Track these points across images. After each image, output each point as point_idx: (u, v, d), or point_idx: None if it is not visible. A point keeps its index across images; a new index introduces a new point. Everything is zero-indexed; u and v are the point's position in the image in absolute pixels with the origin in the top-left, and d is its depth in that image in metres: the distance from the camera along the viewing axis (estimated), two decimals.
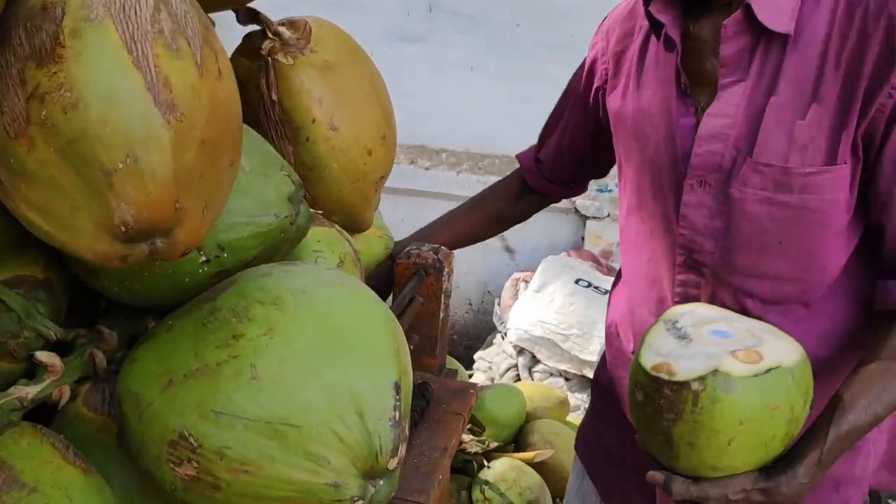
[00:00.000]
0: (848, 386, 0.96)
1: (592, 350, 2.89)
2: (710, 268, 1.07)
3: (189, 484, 0.62)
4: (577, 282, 3.15)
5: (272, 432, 0.61)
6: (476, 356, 3.34)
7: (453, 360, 2.39)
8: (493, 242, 3.57)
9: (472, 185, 3.45)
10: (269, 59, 0.87)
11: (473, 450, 2.14)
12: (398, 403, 0.63)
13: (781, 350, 0.92)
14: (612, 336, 1.31)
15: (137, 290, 0.73)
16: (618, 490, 1.29)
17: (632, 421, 0.97)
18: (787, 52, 0.99)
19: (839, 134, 0.97)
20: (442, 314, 1.33)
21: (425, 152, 3.55)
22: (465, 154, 3.53)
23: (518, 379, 3.07)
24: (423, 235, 1.45)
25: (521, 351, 3.10)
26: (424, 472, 1.06)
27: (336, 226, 0.92)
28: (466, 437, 2.16)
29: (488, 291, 3.65)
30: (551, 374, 3.04)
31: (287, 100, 0.87)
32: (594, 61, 1.27)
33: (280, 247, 0.76)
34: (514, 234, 3.61)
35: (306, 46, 0.88)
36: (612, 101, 1.21)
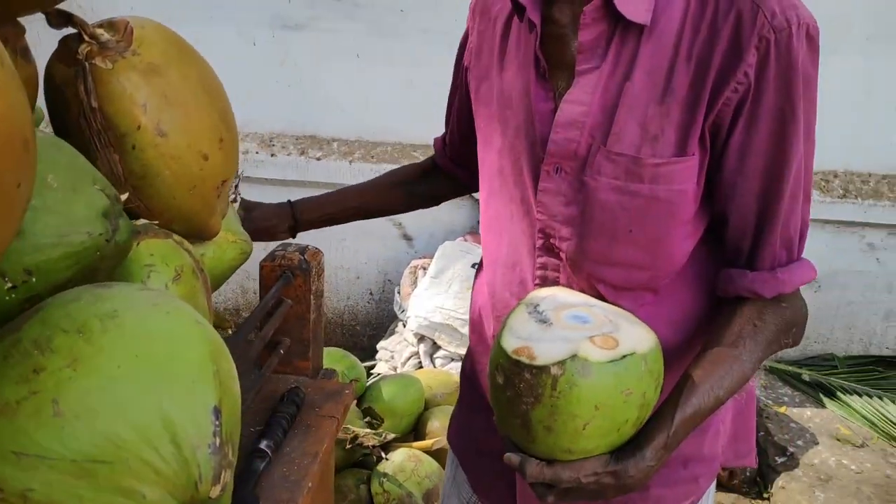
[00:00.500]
0: (692, 371, 0.98)
1: None
2: (566, 253, 1.08)
3: None
4: (474, 266, 3.17)
5: (79, 471, 0.57)
6: (378, 346, 3.32)
7: (348, 353, 2.36)
8: (391, 231, 3.55)
9: (366, 173, 3.41)
10: (87, 63, 0.82)
11: (371, 443, 2.12)
12: (218, 429, 0.61)
13: (636, 336, 0.94)
14: (475, 323, 1.30)
15: None
16: (484, 478, 1.29)
17: (491, 404, 0.98)
18: (642, 41, 0.99)
19: (689, 126, 0.98)
20: (313, 315, 1.30)
21: (316, 142, 3.49)
22: (357, 143, 3.49)
23: (420, 366, 3.07)
24: (328, 195, 1.48)
25: (421, 338, 3.10)
26: (293, 480, 1.04)
27: (173, 236, 0.88)
28: (363, 430, 2.14)
29: (388, 280, 3.63)
30: (452, 360, 3.04)
31: (108, 106, 0.82)
32: (464, 40, 1.26)
33: (98, 266, 0.72)
34: (412, 221, 3.60)
35: (127, 49, 0.83)
36: (475, 83, 1.20)
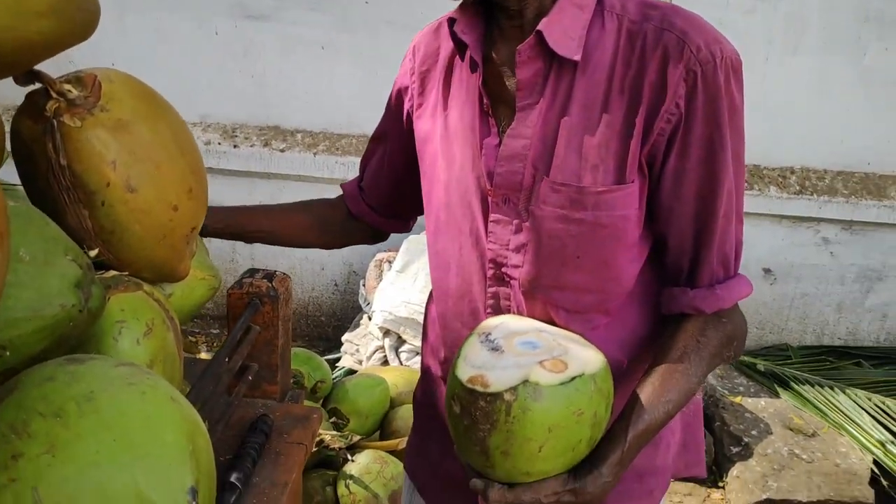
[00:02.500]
0: (641, 388, 1.03)
1: None
2: (518, 280, 1.12)
3: None
4: None
5: None
6: (343, 338, 3.34)
7: (313, 355, 2.38)
8: None
9: (331, 166, 3.40)
10: (55, 120, 0.82)
11: (336, 445, 2.15)
12: None
13: (585, 358, 0.98)
14: (427, 353, 1.33)
15: None
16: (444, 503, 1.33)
17: (450, 433, 1.01)
18: (577, 77, 1.04)
19: (625, 155, 1.03)
20: (281, 340, 1.32)
21: (279, 134, 3.47)
22: (321, 135, 3.47)
23: (385, 360, 3.10)
24: (238, 209, 1.40)
25: (386, 332, 3.12)
26: None
27: (144, 286, 0.88)
28: (329, 433, 2.17)
29: (353, 272, 3.64)
30: (417, 353, 3.08)
31: (77, 164, 0.82)
32: (404, 83, 1.27)
33: (71, 333, 0.73)
34: None
35: (95, 105, 0.83)
36: (420, 122, 1.22)
